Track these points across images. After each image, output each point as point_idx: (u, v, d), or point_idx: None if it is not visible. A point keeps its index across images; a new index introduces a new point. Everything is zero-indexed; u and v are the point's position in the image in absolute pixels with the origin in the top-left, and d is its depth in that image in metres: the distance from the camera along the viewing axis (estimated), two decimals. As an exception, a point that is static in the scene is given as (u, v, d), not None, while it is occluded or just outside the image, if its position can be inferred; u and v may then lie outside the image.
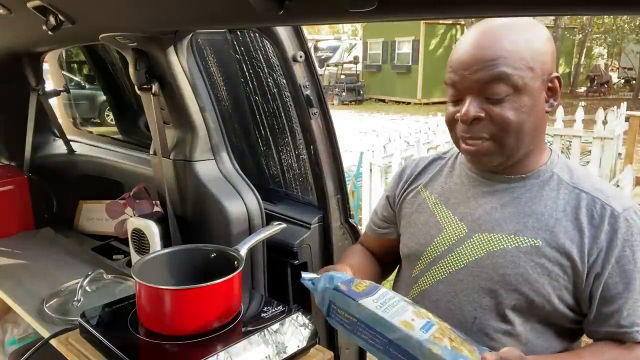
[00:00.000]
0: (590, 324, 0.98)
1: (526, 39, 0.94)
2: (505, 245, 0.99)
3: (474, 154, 0.99)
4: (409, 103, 17.04)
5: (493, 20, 0.97)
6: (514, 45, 0.92)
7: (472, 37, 0.96)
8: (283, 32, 1.37)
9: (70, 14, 1.10)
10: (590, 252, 0.94)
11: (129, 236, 1.48)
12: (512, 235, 0.99)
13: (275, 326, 1.10)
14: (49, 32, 1.13)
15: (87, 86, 3.94)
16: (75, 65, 3.38)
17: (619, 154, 6.81)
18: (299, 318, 1.15)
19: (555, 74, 0.98)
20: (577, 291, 0.96)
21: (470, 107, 0.95)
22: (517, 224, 0.99)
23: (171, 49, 1.27)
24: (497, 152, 0.97)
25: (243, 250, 1.20)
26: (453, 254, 1.04)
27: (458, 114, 0.97)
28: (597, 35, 21.67)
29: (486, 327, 1.00)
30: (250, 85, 1.65)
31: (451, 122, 1.02)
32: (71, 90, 2.52)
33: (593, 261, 0.94)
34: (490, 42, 0.93)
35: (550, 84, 0.97)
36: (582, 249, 0.94)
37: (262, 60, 1.57)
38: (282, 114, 1.61)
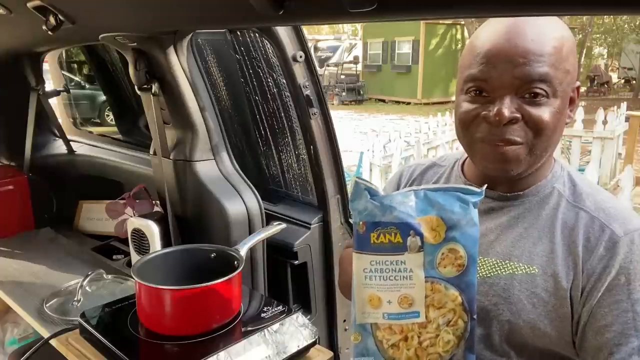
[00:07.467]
0: (580, 356, 0.87)
1: (565, 36, 0.83)
2: (499, 272, 0.89)
3: (501, 158, 0.84)
4: (409, 103, 17.04)
5: None
6: (558, 42, 0.81)
7: (512, 25, 0.81)
8: (283, 32, 1.37)
9: (70, 14, 1.10)
10: (582, 278, 0.83)
11: (129, 236, 1.48)
12: (507, 261, 0.89)
13: (275, 326, 1.10)
14: (49, 32, 1.13)
15: (87, 86, 3.95)
16: (75, 65, 3.39)
17: (619, 154, 6.82)
18: (299, 318, 1.15)
19: (578, 83, 0.88)
20: (575, 322, 0.86)
21: (505, 107, 0.81)
22: (512, 247, 0.89)
23: (171, 49, 1.27)
24: (525, 159, 0.85)
25: (243, 250, 1.20)
26: None
27: (485, 113, 0.83)
28: (597, 35, 21.69)
29: (479, 358, 0.90)
30: (250, 85, 1.65)
31: (470, 121, 0.86)
32: (71, 90, 2.53)
33: (583, 289, 0.83)
34: (536, 34, 0.80)
35: (571, 94, 0.87)
36: (577, 276, 0.84)
37: (262, 60, 1.57)
38: (282, 114, 1.61)
